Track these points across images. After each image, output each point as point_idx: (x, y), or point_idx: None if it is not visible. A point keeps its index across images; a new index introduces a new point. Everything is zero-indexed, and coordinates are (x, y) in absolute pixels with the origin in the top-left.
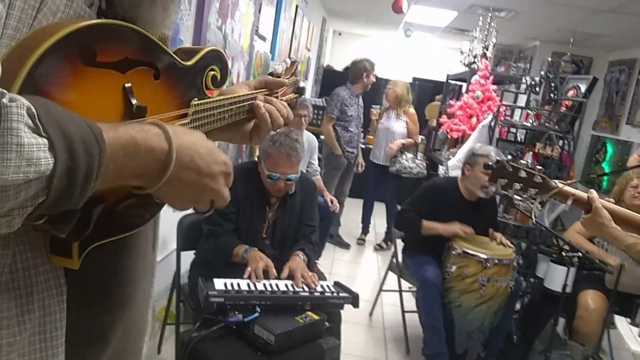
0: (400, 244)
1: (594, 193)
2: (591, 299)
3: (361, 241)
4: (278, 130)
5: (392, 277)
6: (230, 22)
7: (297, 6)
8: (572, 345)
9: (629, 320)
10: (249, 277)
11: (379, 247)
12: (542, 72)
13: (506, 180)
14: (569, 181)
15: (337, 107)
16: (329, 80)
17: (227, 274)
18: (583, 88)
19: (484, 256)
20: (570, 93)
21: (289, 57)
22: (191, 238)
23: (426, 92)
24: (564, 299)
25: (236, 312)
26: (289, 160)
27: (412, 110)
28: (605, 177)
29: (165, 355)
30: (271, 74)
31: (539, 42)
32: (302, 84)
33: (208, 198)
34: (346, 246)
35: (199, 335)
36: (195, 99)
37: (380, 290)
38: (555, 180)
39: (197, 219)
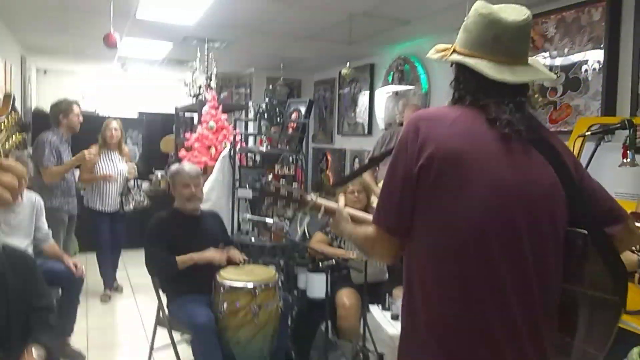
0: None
1: (341, 199)
2: (346, 297)
3: (107, 297)
4: None
5: (162, 331)
6: None
7: None
8: (343, 344)
9: (380, 306)
10: None
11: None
12: (267, 100)
13: (272, 199)
14: (327, 188)
15: (52, 154)
16: (42, 124)
17: None
18: (303, 110)
19: (251, 285)
20: (293, 116)
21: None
22: None
23: (156, 125)
24: (329, 303)
25: None
26: None
27: (125, 147)
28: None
29: None
30: None
31: (254, 69)
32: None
33: None
34: None
35: None
36: None
37: (152, 350)
38: (311, 194)
39: None
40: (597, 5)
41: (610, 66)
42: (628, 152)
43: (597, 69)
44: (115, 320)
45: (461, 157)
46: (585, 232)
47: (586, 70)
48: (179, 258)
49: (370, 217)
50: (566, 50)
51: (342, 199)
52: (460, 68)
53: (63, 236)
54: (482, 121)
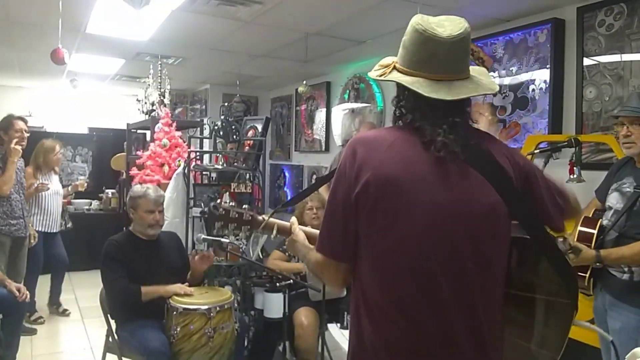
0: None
1: (293, 218)
2: (304, 316)
3: (42, 319)
4: None
5: (112, 358)
6: None
7: None
8: None
9: (339, 324)
10: None
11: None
12: (222, 117)
13: (222, 222)
14: (274, 210)
15: None
16: None
17: None
18: (259, 127)
19: (206, 307)
20: (250, 133)
21: None
22: None
23: (106, 142)
24: (286, 324)
25: None
26: None
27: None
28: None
29: None
30: None
31: (210, 85)
32: None
33: None
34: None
35: None
36: None
37: None
38: (264, 215)
39: None
40: (543, 28)
41: (556, 86)
42: (574, 168)
43: (543, 89)
44: (63, 346)
45: (397, 182)
46: (529, 237)
47: (533, 90)
48: (143, 289)
49: None
50: (514, 70)
51: (294, 219)
52: (400, 85)
53: (6, 259)
54: (418, 144)
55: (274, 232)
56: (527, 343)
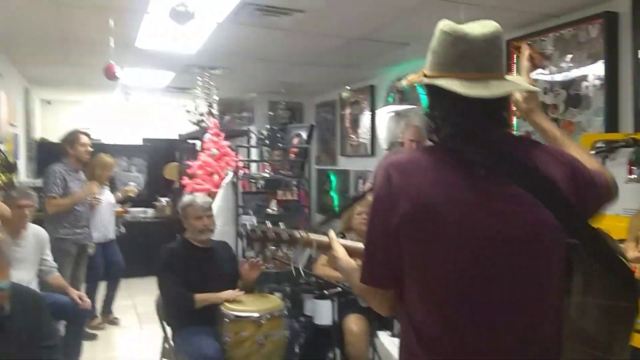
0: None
1: (331, 233)
2: (354, 323)
3: (102, 324)
4: None
5: None
6: None
7: None
8: None
9: (389, 333)
10: None
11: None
12: (268, 126)
13: (260, 244)
14: (315, 227)
15: (56, 184)
16: (47, 154)
17: None
18: (304, 135)
19: (257, 314)
20: (295, 141)
21: None
22: None
23: (160, 152)
24: (336, 332)
25: None
26: None
27: None
28: (336, 205)
29: None
30: None
31: (256, 94)
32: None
33: None
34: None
35: None
36: None
37: None
38: (301, 231)
39: None
40: (594, 22)
41: (611, 82)
42: (634, 168)
43: (597, 85)
44: (121, 351)
45: (436, 210)
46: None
47: (587, 87)
48: (197, 297)
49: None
50: (565, 67)
51: (332, 233)
52: (432, 93)
53: (71, 267)
54: (455, 165)
55: (314, 248)
56: (593, 350)
